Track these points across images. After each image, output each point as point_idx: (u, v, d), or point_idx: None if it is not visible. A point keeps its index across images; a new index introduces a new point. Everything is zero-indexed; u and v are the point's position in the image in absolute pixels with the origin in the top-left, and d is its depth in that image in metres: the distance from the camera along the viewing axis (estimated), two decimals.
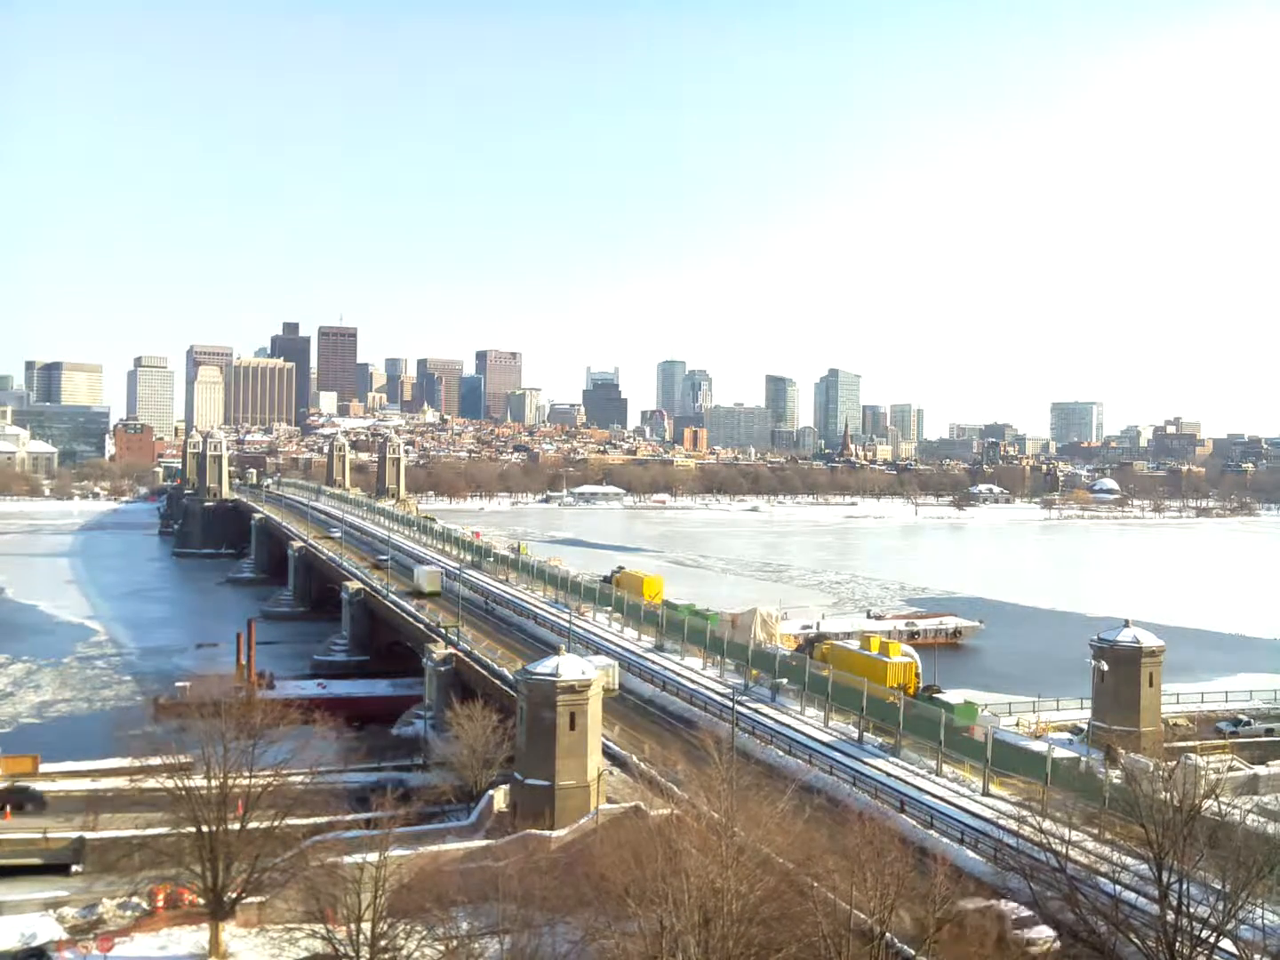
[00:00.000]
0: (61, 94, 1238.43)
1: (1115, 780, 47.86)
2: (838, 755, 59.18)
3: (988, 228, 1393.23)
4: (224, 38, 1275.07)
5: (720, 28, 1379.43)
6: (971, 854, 44.61)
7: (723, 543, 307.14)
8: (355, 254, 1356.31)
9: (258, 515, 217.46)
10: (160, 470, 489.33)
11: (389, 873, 41.14)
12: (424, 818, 59.03)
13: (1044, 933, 37.61)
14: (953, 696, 67.50)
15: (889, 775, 55.87)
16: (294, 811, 51.81)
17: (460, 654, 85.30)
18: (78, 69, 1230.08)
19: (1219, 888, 33.94)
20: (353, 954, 39.42)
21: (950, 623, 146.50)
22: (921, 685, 73.06)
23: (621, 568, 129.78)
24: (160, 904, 51.50)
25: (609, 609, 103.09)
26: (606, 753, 58.80)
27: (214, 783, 48.88)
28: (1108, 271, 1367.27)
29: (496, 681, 75.61)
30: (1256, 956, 33.56)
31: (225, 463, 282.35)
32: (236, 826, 48.03)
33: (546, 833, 51.09)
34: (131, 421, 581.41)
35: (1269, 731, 78.24)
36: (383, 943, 39.56)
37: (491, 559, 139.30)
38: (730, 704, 63.60)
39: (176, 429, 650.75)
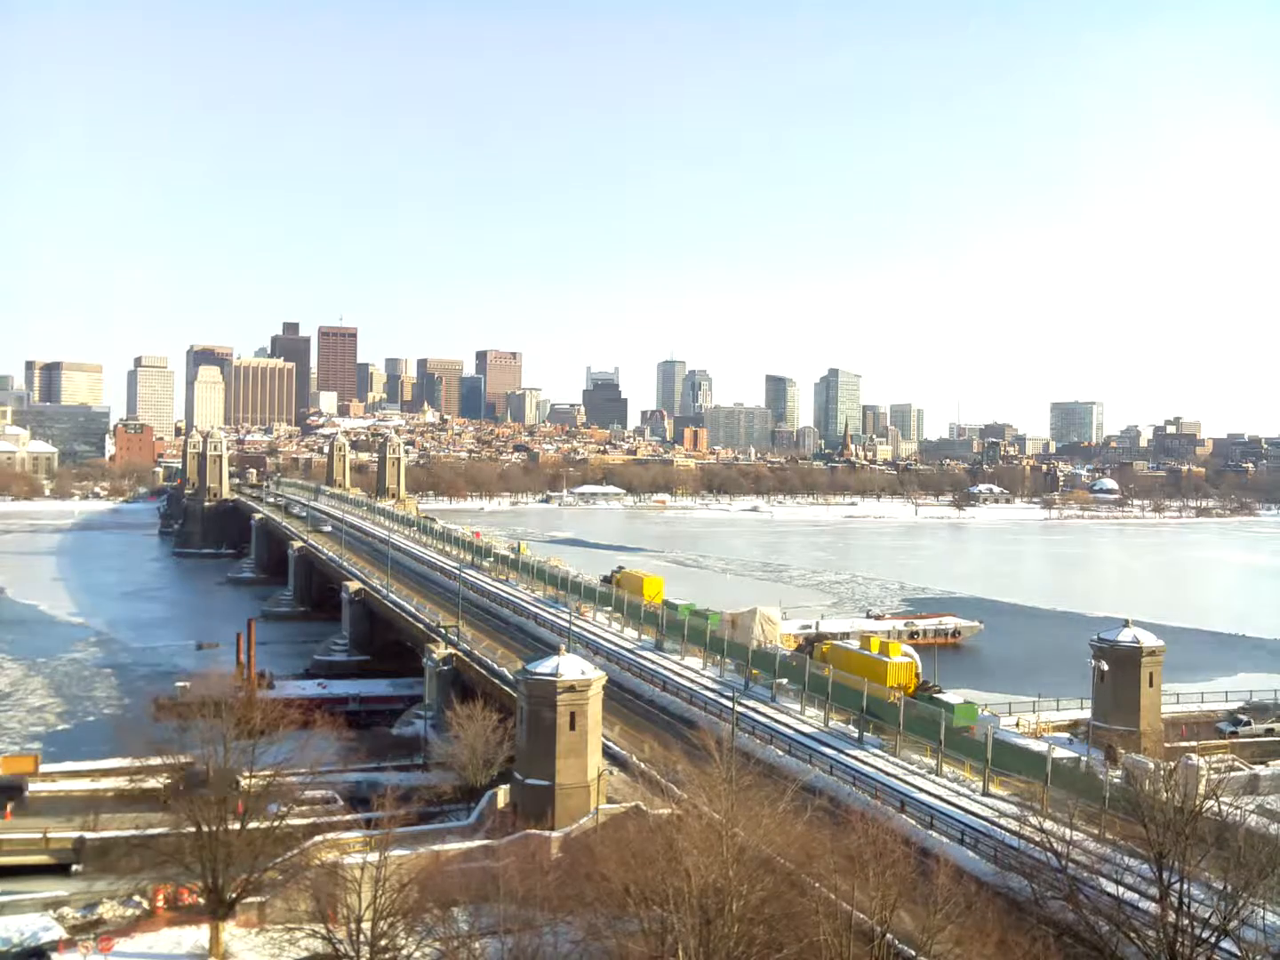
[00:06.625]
0: (61, 93, 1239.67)
1: (1115, 780, 47.85)
2: (838, 755, 59.16)
3: (987, 227, 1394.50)
4: (223, 37, 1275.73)
5: (719, 26, 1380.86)
6: (972, 854, 44.53)
7: (723, 543, 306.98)
8: (355, 254, 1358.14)
9: (258, 515, 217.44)
10: (160, 470, 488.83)
11: (389, 873, 41.10)
12: (424, 818, 59.02)
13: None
14: (952, 696, 67.39)
15: (889, 775, 55.87)
16: (294, 811, 51.81)
17: (460, 654, 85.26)
18: (77, 68, 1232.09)
19: (1220, 888, 33.91)
20: (353, 954, 39.40)
21: (950, 623, 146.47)
22: (919, 684, 72.91)
23: (621, 568, 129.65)
24: (160, 904, 51.44)
25: (609, 609, 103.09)
26: (606, 753, 58.74)
27: None
28: (1108, 272, 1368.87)
29: (496, 681, 75.56)
30: (1258, 957, 33.50)
31: (225, 463, 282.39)
32: (236, 826, 48.03)
33: (547, 832, 51.02)
34: (131, 421, 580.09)
35: (1269, 731, 78.23)
36: (383, 942, 39.55)
37: (491, 559, 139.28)
38: (730, 704, 63.56)
39: (176, 429, 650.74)
